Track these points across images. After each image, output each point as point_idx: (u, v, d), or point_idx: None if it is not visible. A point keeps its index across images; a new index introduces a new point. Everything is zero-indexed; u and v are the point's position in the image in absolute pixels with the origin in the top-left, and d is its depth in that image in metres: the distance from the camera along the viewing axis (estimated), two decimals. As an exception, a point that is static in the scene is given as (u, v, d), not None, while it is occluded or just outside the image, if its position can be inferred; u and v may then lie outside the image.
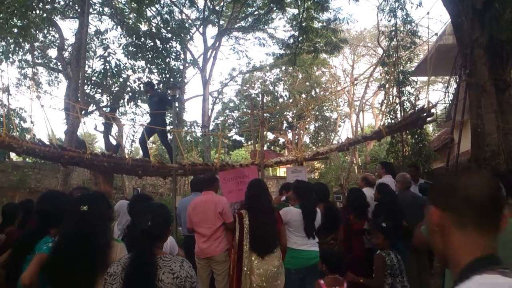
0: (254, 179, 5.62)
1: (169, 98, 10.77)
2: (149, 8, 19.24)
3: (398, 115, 12.87)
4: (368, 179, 6.80)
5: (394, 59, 13.99)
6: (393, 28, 14.25)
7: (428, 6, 45.25)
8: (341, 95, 32.83)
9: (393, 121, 12.31)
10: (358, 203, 5.77)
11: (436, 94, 38.32)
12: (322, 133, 32.71)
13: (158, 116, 10.04)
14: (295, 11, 20.81)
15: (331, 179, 22.04)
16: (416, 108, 8.59)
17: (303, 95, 30.82)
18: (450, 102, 12.74)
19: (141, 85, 16.95)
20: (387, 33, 15.24)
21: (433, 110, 8.00)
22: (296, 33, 18.63)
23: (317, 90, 31.27)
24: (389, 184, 6.30)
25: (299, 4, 17.97)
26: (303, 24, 17.72)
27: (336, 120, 33.92)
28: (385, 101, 14.90)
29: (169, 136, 10.83)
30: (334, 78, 34.09)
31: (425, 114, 8.04)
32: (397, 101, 13.54)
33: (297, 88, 30.80)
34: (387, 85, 14.98)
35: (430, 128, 26.55)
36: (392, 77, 14.16)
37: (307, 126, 32.65)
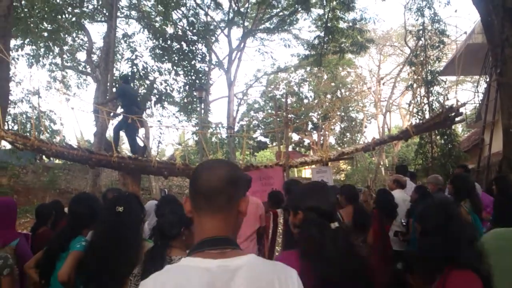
0: (291, 180, 5.56)
1: (121, 92, 10.67)
2: (175, 11, 19.44)
3: (426, 116, 12.66)
4: (399, 181, 6.68)
5: (422, 58, 13.79)
6: (421, 27, 14.05)
7: (456, 4, 44.32)
8: (367, 96, 32.50)
9: (421, 121, 12.13)
10: (387, 203, 5.68)
11: (465, 94, 37.57)
12: (347, 134, 32.44)
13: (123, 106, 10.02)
14: (321, 11, 20.74)
15: (358, 181, 21.82)
16: (445, 108, 8.43)
17: (328, 96, 30.62)
18: (480, 102, 12.48)
19: (167, 87, 17.17)
20: (414, 32, 15.04)
21: (462, 110, 7.85)
22: (322, 34, 18.54)
23: (343, 91, 31.02)
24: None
25: (325, 4, 17.88)
26: (329, 25, 17.63)
27: (362, 121, 33.58)
28: (413, 101, 14.68)
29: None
30: (360, 78, 33.76)
31: (453, 113, 7.90)
32: (425, 101, 13.33)
33: (322, 89, 30.61)
34: (415, 85, 14.77)
35: (459, 128, 26.07)
36: (420, 77, 13.96)
37: (332, 127, 32.41)
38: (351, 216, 5.14)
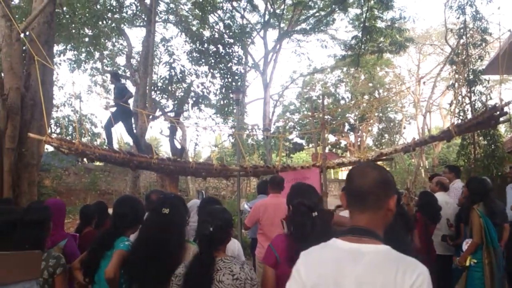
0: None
1: (128, 90, 10.62)
2: (211, 15, 19.62)
3: (469, 116, 12.26)
4: (443, 183, 6.49)
5: (463, 57, 13.39)
6: (462, 25, 13.65)
7: (499, 1, 42.81)
8: (406, 96, 31.84)
9: (463, 121, 11.76)
10: (430, 206, 5.52)
11: (509, 94, 36.22)
12: (386, 135, 31.88)
13: (119, 105, 9.95)
14: (358, 11, 20.48)
15: (397, 183, 21.29)
16: (488, 107, 8.11)
17: (366, 97, 30.19)
18: (526, 102, 12.00)
19: (204, 90, 17.31)
20: (455, 31, 14.63)
21: (506, 109, 7.54)
22: (359, 34, 18.29)
23: (381, 91, 30.52)
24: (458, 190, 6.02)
25: (362, 3, 17.64)
26: (366, 24, 17.38)
27: (401, 121, 32.95)
28: (454, 101, 14.26)
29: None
30: (398, 78, 33.13)
31: (497, 113, 7.59)
32: (467, 101, 12.93)
33: (360, 90, 30.24)
34: (456, 85, 14.35)
35: (502, 129, 25.15)
36: (461, 76, 13.55)
37: (370, 128, 31.92)
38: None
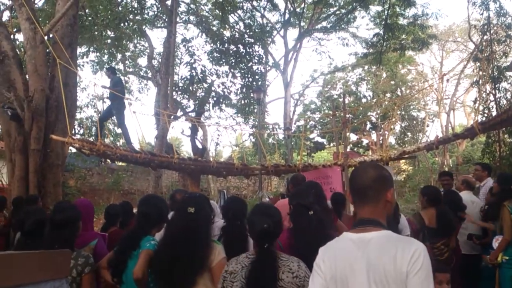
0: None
1: (122, 84, 10.57)
2: (232, 15, 19.66)
3: (493, 113, 12.01)
4: (469, 182, 6.36)
5: (487, 54, 13.14)
6: (486, 21, 13.40)
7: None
8: (429, 93, 31.35)
9: (487, 118, 11.53)
10: (455, 205, 5.40)
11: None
12: (408, 133, 31.46)
13: (115, 99, 9.93)
14: (379, 8, 20.27)
15: (420, 182, 21.03)
16: (514, 104, 7.94)
17: (388, 95, 29.84)
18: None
19: (225, 90, 17.36)
20: (479, 27, 14.37)
21: (533, 106, 7.35)
22: (381, 31, 18.10)
23: (403, 89, 30.13)
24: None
25: (384, 0, 17.44)
26: (388, 21, 17.18)
27: (424, 119, 32.47)
28: (479, 99, 14.00)
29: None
30: (421, 75, 32.65)
31: (524, 109, 7.43)
32: (492, 98, 12.68)
33: (381, 88, 29.88)
34: (480, 82, 14.08)
35: (528, 126, 24.52)
36: (486, 73, 13.30)
37: (392, 127, 31.52)
38: (434, 219, 4.90)
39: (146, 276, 2.84)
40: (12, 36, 8.60)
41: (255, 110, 18.29)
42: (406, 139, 31.18)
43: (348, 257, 1.73)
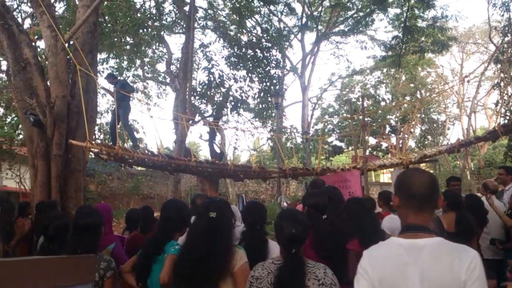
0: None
1: (129, 84, 10.72)
2: (249, 19, 19.71)
3: (516, 115, 11.81)
4: (488, 185, 6.25)
5: (508, 55, 12.94)
6: (507, 22, 13.21)
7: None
8: (449, 96, 30.96)
9: (509, 121, 11.32)
10: (477, 209, 5.31)
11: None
12: (429, 136, 31.10)
13: (123, 99, 9.94)
14: (398, 10, 20.12)
15: (441, 185, 20.67)
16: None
17: (407, 97, 29.56)
18: None
19: (243, 94, 17.39)
20: (499, 29, 14.17)
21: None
22: (400, 34, 17.95)
23: (423, 92, 29.82)
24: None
25: (403, 3, 17.30)
26: (407, 24, 17.03)
27: (444, 122, 32.07)
28: (500, 101, 13.77)
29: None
30: (441, 78, 32.27)
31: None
32: (514, 100, 12.47)
33: (401, 90, 29.64)
34: (502, 84, 13.86)
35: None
36: (507, 75, 13.09)
37: (412, 130, 31.18)
38: (453, 223, 4.84)
39: (172, 281, 2.85)
40: (33, 44, 8.72)
41: (273, 114, 18.29)
42: (426, 142, 30.83)
43: (398, 263, 1.72)
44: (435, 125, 30.97)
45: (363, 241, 3.45)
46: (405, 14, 16.93)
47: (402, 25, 17.35)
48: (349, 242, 3.67)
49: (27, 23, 15.18)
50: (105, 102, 21.04)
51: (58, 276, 1.50)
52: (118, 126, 10.24)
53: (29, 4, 12.70)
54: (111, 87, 10.64)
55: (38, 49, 12.10)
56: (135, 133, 22.38)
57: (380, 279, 1.72)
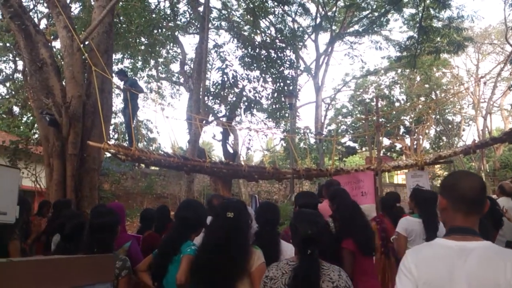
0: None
1: (139, 84, 10.70)
2: (263, 20, 19.71)
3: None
4: (504, 188, 6.17)
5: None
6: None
7: None
8: (465, 97, 30.62)
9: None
10: (492, 212, 5.24)
11: None
12: (444, 138, 30.79)
13: (133, 98, 9.91)
14: (413, 10, 19.94)
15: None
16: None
17: (422, 98, 29.31)
18: None
19: (256, 95, 17.38)
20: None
21: None
22: (415, 34, 17.80)
23: (438, 92, 29.54)
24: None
25: (418, 3, 17.14)
26: (423, 24, 16.87)
27: (459, 123, 31.74)
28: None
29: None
30: (456, 79, 31.94)
31: None
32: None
33: (415, 91, 29.40)
34: (519, 84, 13.67)
35: None
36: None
37: (426, 131, 30.90)
38: None
39: (189, 281, 2.85)
40: (49, 44, 8.82)
41: (286, 115, 18.25)
42: (441, 143, 30.53)
43: (447, 265, 1.70)
44: (450, 126, 30.68)
45: (356, 240, 3.80)
46: (420, 14, 16.78)
47: (418, 25, 17.19)
48: (343, 241, 3.84)
49: (43, 24, 15.35)
50: (119, 102, 21.19)
51: (79, 275, 1.51)
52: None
53: (45, 4, 12.86)
54: (120, 84, 10.66)
55: (54, 49, 12.24)
56: (148, 133, 22.61)
57: (426, 280, 1.70)
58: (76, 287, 1.51)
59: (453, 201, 1.83)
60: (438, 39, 18.24)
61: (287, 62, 17.98)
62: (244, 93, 17.31)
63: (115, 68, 17.69)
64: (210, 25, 17.23)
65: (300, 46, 22.25)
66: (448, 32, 17.62)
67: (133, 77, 11.17)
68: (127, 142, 10.50)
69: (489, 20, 35.95)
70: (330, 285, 2.40)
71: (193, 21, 18.89)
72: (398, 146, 32.75)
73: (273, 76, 17.53)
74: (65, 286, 1.47)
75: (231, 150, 16.85)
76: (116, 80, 10.61)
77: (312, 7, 24.85)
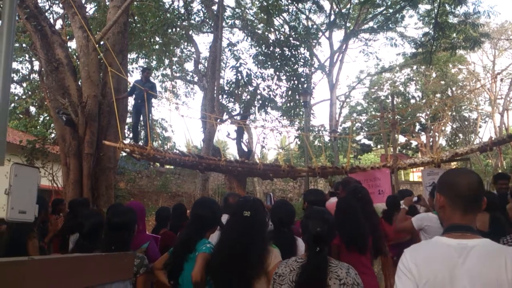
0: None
1: (156, 90, 10.60)
2: (277, 18, 19.67)
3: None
4: (516, 184, 6.07)
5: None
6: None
7: None
8: (481, 93, 30.21)
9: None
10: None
11: None
12: (460, 134, 30.43)
13: (148, 100, 9.85)
14: (428, 7, 19.73)
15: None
16: None
17: (438, 95, 28.99)
18: None
19: (271, 93, 17.34)
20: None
21: None
22: (431, 30, 17.60)
23: (454, 89, 29.18)
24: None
25: (434, -2, 16.95)
26: (438, 20, 16.67)
27: (476, 120, 31.35)
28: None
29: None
30: (472, 75, 31.54)
31: None
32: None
33: (431, 88, 29.09)
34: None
35: None
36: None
37: (443, 128, 30.56)
38: (486, 223, 4.71)
39: (204, 279, 2.85)
40: (65, 44, 8.91)
41: (301, 113, 18.19)
42: (457, 140, 30.18)
43: (447, 263, 1.69)
44: (466, 123, 30.32)
45: (342, 234, 3.81)
46: (436, 10, 16.58)
47: (433, 21, 16.99)
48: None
49: (58, 24, 15.52)
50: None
51: (99, 273, 1.52)
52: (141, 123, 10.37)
53: (60, 5, 13.01)
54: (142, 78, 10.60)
55: (70, 50, 12.37)
56: (163, 132, 22.67)
57: (427, 279, 1.68)
58: (99, 285, 1.52)
59: (451, 198, 1.84)
60: (454, 35, 18.01)
61: (301, 60, 17.91)
62: (258, 91, 17.29)
63: (130, 68, 17.88)
64: (224, 24, 17.25)
65: (314, 44, 22.17)
66: (464, 28, 17.38)
67: (154, 81, 11.16)
68: (142, 141, 10.56)
69: (505, 15, 35.41)
70: (337, 283, 2.40)
71: (207, 20, 18.93)
72: (414, 143, 32.47)
73: (287, 74, 17.48)
74: (85, 283, 1.48)
75: (245, 149, 16.84)
76: (132, 80, 10.64)
77: (326, 4, 24.72)
